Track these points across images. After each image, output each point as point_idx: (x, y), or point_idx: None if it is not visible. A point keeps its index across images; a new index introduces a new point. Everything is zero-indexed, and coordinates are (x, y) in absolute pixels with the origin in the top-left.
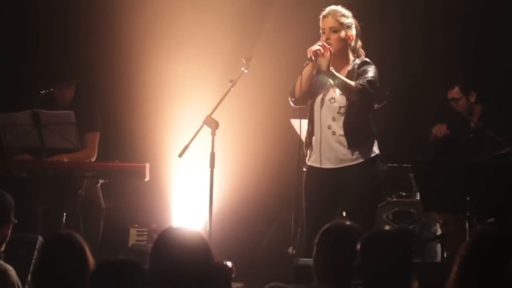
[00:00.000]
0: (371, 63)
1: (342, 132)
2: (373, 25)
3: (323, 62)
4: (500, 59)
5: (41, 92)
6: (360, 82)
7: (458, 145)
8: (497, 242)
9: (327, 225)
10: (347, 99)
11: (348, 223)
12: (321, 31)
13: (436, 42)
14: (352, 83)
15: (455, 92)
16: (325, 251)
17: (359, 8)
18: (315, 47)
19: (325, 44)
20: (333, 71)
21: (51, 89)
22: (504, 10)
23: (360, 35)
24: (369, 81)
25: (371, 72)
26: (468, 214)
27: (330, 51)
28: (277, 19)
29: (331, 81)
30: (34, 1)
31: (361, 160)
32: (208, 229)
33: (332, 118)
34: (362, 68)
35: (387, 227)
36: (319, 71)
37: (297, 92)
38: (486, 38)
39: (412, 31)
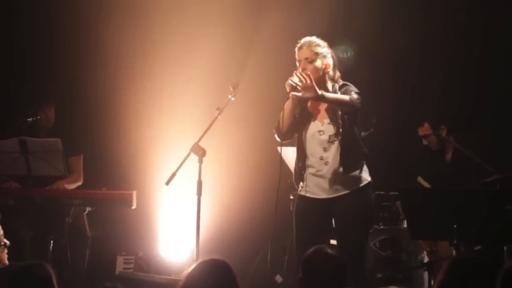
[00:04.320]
0: (349, 83)
1: (336, 160)
2: (362, 56)
3: (309, 91)
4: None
5: (28, 120)
6: (351, 95)
7: (438, 178)
8: (474, 267)
9: (306, 254)
10: (342, 121)
11: (328, 251)
12: (297, 63)
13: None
14: (346, 97)
15: (425, 129)
16: (305, 279)
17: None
18: (292, 79)
19: (302, 73)
20: (323, 93)
21: (38, 117)
22: (470, 48)
23: (338, 65)
24: (356, 93)
25: (353, 88)
26: (455, 241)
27: (309, 76)
28: (264, 47)
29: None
30: (20, 23)
31: (354, 188)
32: (195, 257)
33: (323, 149)
34: (344, 89)
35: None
36: (309, 99)
37: (282, 127)
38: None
39: (400, 58)
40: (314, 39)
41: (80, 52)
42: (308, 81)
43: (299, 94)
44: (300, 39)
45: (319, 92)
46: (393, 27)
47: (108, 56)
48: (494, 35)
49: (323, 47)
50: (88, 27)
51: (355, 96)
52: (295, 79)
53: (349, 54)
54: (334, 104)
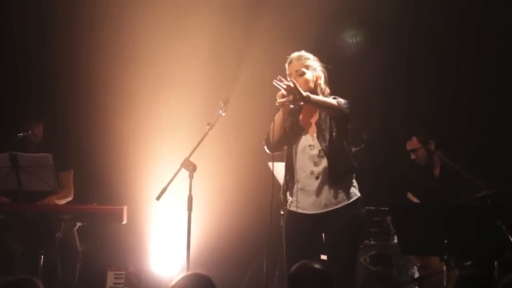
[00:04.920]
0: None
1: (325, 175)
2: (353, 70)
3: (294, 93)
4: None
5: (19, 135)
6: (337, 100)
7: (427, 194)
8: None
9: (292, 269)
10: (330, 134)
11: (314, 265)
12: (288, 77)
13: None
14: (333, 101)
15: (413, 143)
16: None
17: (336, 54)
18: (282, 90)
19: (286, 82)
20: (309, 94)
21: (29, 132)
22: (460, 63)
23: (328, 81)
24: (343, 98)
25: (341, 98)
26: (446, 257)
27: (293, 81)
28: (255, 63)
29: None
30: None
31: (344, 204)
32: (185, 272)
33: (314, 163)
34: (332, 97)
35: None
36: (298, 102)
37: (272, 139)
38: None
39: (390, 75)
40: (303, 52)
41: (71, 67)
42: (292, 85)
43: (285, 99)
44: (292, 52)
45: (304, 94)
46: (381, 40)
47: (99, 72)
48: (484, 50)
49: (313, 60)
50: (80, 43)
51: (342, 100)
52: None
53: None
54: (320, 107)
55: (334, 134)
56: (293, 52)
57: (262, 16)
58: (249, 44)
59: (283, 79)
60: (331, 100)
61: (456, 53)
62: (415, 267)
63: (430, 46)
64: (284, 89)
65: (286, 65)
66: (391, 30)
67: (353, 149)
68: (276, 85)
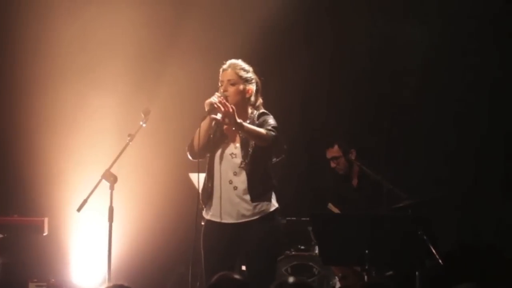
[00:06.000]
0: (269, 113)
1: (244, 187)
2: (273, 78)
3: (229, 118)
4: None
5: None
6: (267, 128)
7: (346, 204)
8: None
9: (211, 280)
10: (253, 151)
11: (234, 276)
12: (219, 84)
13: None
14: (263, 130)
15: (334, 151)
16: None
17: (260, 62)
18: (212, 99)
19: (223, 101)
20: (242, 122)
21: None
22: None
23: (261, 92)
24: (274, 127)
25: (271, 120)
26: (367, 267)
27: (232, 107)
28: (176, 73)
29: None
30: None
31: (262, 215)
32: (107, 284)
33: (234, 173)
34: (262, 118)
35: (291, 279)
36: (226, 125)
37: (195, 145)
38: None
39: (313, 85)
40: (240, 62)
41: None
42: (231, 110)
43: (218, 117)
44: (217, 61)
45: (238, 121)
46: (301, 46)
47: (18, 81)
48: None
49: (247, 72)
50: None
51: (272, 132)
52: (215, 100)
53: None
54: (249, 136)
55: (258, 153)
56: (216, 60)
57: (186, 25)
58: (171, 52)
59: (222, 100)
60: (260, 131)
61: (375, 58)
62: (336, 277)
63: (351, 52)
64: (221, 110)
65: (221, 70)
66: (313, 35)
67: (274, 159)
68: (216, 106)
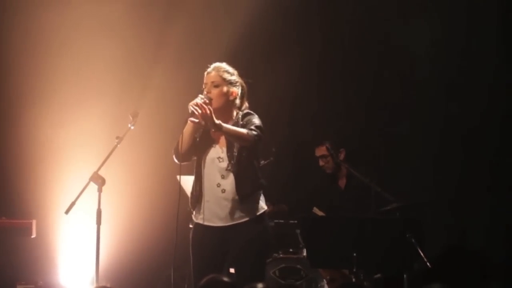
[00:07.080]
0: (253, 113)
1: (232, 189)
2: (262, 79)
3: (207, 120)
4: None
5: None
6: (250, 128)
7: (332, 206)
8: None
9: (201, 283)
10: (238, 152)
11: (223, 279)
12: (203, 86)
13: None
14: (243, 130)
15: (323, 149)
16: None
17: (247, 64)
18: (196, 100)
19: (203, 102)
20: (221, 123)
21: None
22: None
23: (248, 95)
24: (257, 126)
25: (255, 119)
26: (354, 270)
27: (209, 109)
28: (163, 76)
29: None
30: None
31: (250, 217)
32: (94, 286)
33: (221, 176)
34: (246, 118)
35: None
36: (205, 127)
37: (181, 148)
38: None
39: (300, 87)
40: (224, 65)
41: None
42: (208, 112)
43: (197, 120)
44: (204, 64)
45: (216, 121)
46: (290, 46)
47: (4, 83)
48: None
49: (232, 75)
50: None
51: (254, 131)
52: (195, 104)
53: None
54: (229, 137)
55: (243, 153)
56: (204, 62)
57: (174, 27)
58: (159, 54)
59: (199, 101)
60: (241, 131)
61: (366, 60)
62: (324, 280)
63: (341, 52)
64: (199, 113)
65: (205, 73)
66: (303, 35)
67: (262, 162)
68: (192, 109)
